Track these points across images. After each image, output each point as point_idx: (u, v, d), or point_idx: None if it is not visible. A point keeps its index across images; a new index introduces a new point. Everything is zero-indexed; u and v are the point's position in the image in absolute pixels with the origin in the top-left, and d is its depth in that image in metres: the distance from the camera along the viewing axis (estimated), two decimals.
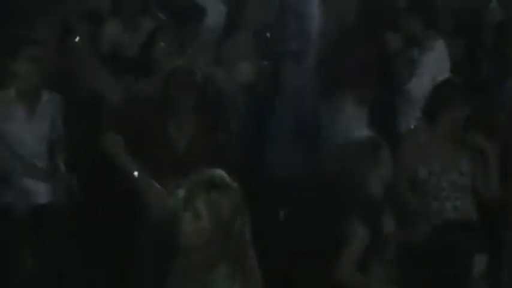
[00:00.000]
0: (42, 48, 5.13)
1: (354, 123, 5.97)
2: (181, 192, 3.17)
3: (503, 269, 5.37)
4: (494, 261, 5.18)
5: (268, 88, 5.92)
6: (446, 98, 5.27)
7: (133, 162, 4.86)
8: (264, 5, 6.61)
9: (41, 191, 5.10)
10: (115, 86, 5.82)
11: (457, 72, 5.92)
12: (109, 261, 5.41)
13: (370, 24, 6.28)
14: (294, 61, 5.92)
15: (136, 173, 4.86)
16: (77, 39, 6.02)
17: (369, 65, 6.07)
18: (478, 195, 5.32)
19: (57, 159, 5.17)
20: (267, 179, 5.65)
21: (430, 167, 5.26)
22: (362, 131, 5.86)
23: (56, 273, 5.08)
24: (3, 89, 5.13)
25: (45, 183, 5.09)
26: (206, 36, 6.65)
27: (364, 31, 6.19)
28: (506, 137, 5.54)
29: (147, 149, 4.98)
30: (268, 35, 6.52)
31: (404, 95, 6.18)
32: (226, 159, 5.19)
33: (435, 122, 5.31)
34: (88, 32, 6.46)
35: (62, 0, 6.49)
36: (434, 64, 6.11)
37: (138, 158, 4.93)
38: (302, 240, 5.33)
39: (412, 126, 5.80)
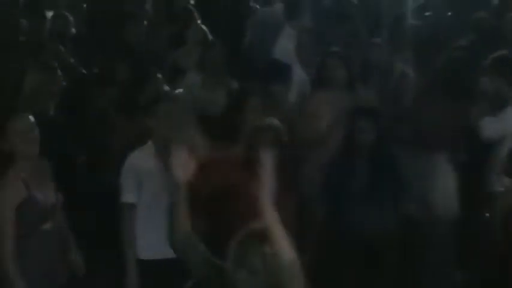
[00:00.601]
0: None
1: (440, 181, 5.99)
2: (232, 247, 3.19)
3: None
4: None
5: (348, 144, 5.79)
6: None
7: None
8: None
9: None
10: (202, 142, 5.81)
11: None
12: None
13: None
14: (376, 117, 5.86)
15: None
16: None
17: (456, 125, 6.08)
18: None
19: None
20: (348, 236, 5.58)
21: None
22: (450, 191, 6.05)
23: None
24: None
25: None
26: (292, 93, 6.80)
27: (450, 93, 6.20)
28: None
29: (230, 206, 4.94)
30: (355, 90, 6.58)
31: (491, 154, 6.14)
32: (306, 216, 5.19)
33: None
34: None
35: None
36: None
37: (219, 217, 4.92)
38: None
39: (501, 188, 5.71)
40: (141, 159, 5.34)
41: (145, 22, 8.20)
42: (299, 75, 7.11)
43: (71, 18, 7.93)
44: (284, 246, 3.19)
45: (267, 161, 3.78)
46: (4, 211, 4.85)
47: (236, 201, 4.86)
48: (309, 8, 8.59)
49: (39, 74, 6.26)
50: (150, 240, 5.23)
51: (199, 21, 8.26)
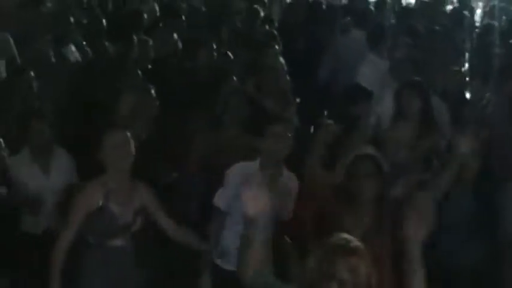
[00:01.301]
0: None
1: None
2: (310, 263, 3.15)
3: None
4: None
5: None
6: None
7: None
8: None
9: None
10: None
11: None
12: None
13: None
14: None
15: None
16: None
17: None
18: None
19: None
20: (442, 267, 5.36)
21: None
22: None
23: None
24: None
25: None
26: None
27: None
28: None
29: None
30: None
31: None
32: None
33: None
34: None
35: None
36: None
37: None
38: None
39: None
40: (247, 171, 5.30)
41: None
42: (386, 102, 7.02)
43: (151, 43, 8.04)
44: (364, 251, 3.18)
45: (420, 200, 3.68)
46: (75, 210, 5.02)
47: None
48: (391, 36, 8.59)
49: (134, 96, 6.40)
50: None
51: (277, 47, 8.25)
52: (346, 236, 3.22)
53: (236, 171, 5.37)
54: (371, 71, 7.77)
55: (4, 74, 7.37)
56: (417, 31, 9.00)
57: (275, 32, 8.76)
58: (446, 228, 5.30)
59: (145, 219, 5.19)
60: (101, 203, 5.01)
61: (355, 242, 3.19)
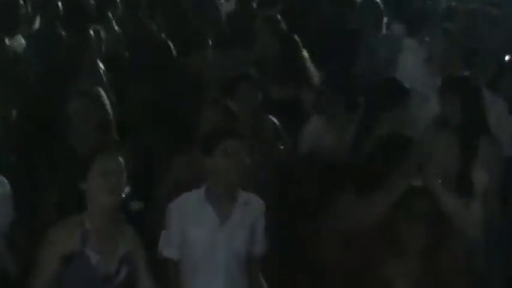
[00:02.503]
0: None
1: None
2: None
3: None
4: None
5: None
6: None
7: None
8: None
9: None
10: None
11: None
12: None
13: None
14: None
15: None
16: None
17: None
18: None
19: None
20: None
21: None
22: None
23: None
24: None
25: None
26: None
27: None
28: None
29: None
30: None
31: None
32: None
33: None
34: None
35: None
36: None
37: None
38: None
39: None
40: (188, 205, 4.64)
41: None
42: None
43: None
44: None
45: None
46: (46, 251, 4.26)
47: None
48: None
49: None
50: None
51: None
52: None
53: (176, 206, 4.60)
54: (411, 59, 7.24)
55: None
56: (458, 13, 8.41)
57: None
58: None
59: (131, 270, 4.36)
60: (74, 249, 4.21)
61: None
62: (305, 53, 7.26)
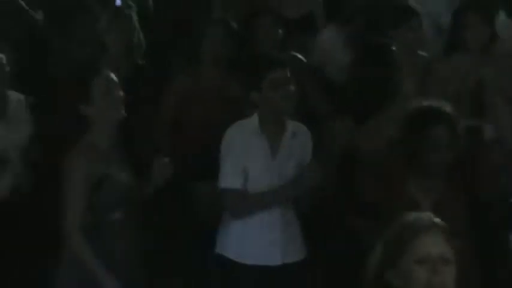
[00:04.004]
0: None
1: None
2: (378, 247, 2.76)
3: None
4: None
5: None
6: None
7: None
8: None
9: None
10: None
11: None
12: None
13: None
14: None
15: None
16: None
17: None
18: None
19: None
20: None
21: None
22: None
23: None
24: None
25: None
26: None
27: None
28: None
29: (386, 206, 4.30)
30: None
31: None
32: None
33: None
34: None
35: None
36: None
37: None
38: None
39: None
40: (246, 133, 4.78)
41: None
42: None
43: None
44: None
45: None
46: (76, 182, 4.37)
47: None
48: None
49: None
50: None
51: None
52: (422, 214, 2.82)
53: (234, 136, 4.71)
54: None
55: None
56: None
57: None
58: None
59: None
60: (102, 172, 4.40)
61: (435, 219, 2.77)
62: None
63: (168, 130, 5.66)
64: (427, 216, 2.75)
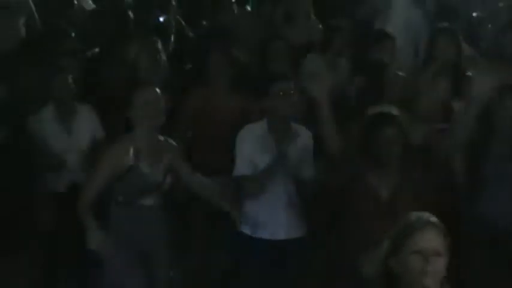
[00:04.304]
0: None
1: None
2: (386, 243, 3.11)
3: None
4: None
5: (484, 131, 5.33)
6: None
7: None
8: None
9: None
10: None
11: None
12: None
13: None
14: None
15: None
16: None
17: None
18: None
19: None
20: (483, 228, 5.20)
21: None
22: None
23: None
24: None
25: None
26: None
27: None
28: None
29: (352, 196, 4.90)
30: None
31: None
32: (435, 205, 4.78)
33: None
34: None
35: None
36: None
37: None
38: None
39: None
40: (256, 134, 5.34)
41: None
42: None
43: None
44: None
45: None
46: (100, 167, 5.02)
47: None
48: None
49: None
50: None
51: None
52: (423, 213, 3.13)
53: (245, 135, 5.33)
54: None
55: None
56: None
57: None
58: (488, 190, 5.23)
59: (175, 178, 5.21)
60: (131, 163, 4.98)
61: (434, 218, 3.11)
62: None
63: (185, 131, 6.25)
64: (426, 216, 3.08)
